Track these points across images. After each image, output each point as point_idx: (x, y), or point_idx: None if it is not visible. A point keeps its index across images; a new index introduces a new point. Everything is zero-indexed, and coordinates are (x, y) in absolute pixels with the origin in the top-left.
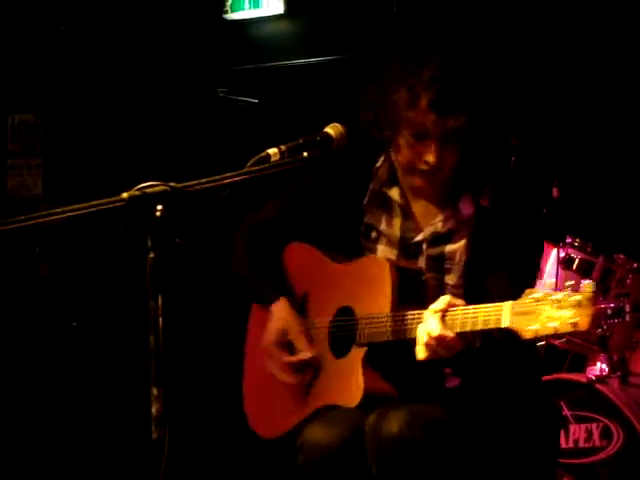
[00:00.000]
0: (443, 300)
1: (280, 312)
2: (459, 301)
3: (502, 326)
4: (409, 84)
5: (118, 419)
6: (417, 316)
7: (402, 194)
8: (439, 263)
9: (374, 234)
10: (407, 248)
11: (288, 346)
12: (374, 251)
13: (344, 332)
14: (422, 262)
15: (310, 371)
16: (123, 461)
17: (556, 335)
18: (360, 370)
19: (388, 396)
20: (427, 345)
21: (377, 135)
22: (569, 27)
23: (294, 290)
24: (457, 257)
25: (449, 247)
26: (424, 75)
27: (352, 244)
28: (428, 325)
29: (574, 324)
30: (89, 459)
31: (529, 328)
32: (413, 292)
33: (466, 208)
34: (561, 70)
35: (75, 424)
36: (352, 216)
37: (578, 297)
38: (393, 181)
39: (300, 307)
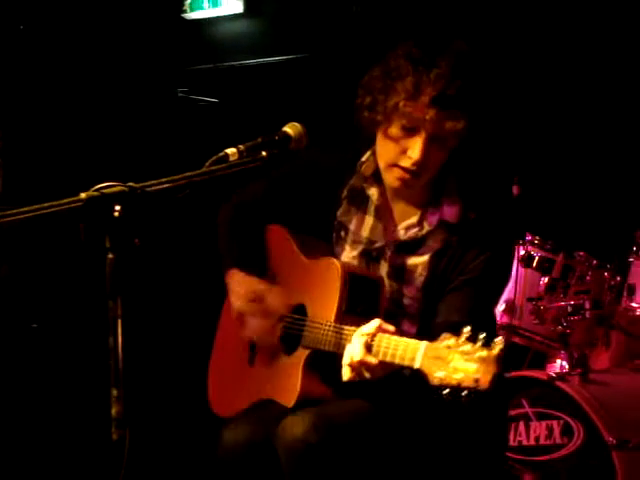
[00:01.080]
0: (374, 324)
1: (238, 277)
2: (390, 327)
3: (415, 367)
4: (417, 76)
5: (78, 420)
6: (353, 333)
7: (382, 194)
8: (400, 272)
9: (343, 233)
10: (370, 252)
11: (265, 310)
12: (342, 249)
13: (294, 330)
14: (384, 268)
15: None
16: (83, 463)
17: (459, 388)
18: (300, 373)
19: (329, 399)
20: (350, 367)
21: (369, 121)
22: (535, 32)
23: (268, 271)
24: (418, 271)
25: (412, 260)
26: (434, 72)
27: (328, 235)
28: (352, 348)
29: (476, 380)
30: (49, 461)
31: (436, 375)
32: (365, 303)
33: (431, 220)
34: (521, 68)
35: (35, 426)
36: (330, 207)
37: (484, 353)
38: (376, 179)
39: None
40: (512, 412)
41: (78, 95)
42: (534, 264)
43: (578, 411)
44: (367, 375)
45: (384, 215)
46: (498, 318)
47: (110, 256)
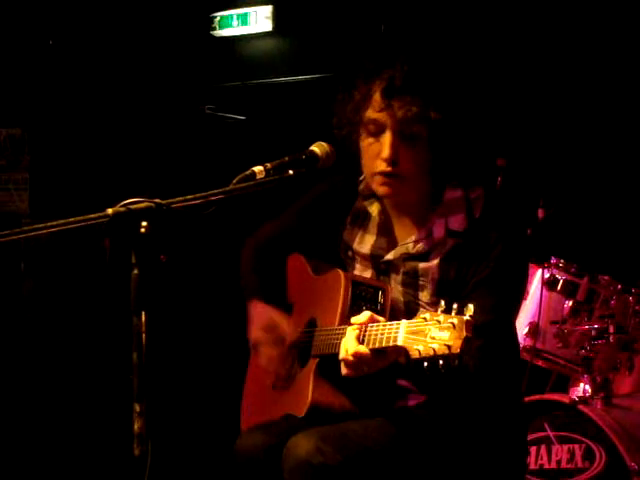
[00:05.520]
0: (364, 315)
1: (260, 308)
2: (381, 318)
3: (398, 344)
4: (367, 81)
5: (100, 435)
6: None
7: (382, 210)
8: (413, 279)
9: (350, 252)
10: (379, 265)
11: (277, 339)
12: (353, 268)
13: (306, 343)
14: (397, 279)
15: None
16: (105, 478)
17: (436, 356)
18: (310, 382)
19: (348, 411)
20: (345, 361)
21: (342, 138)
22: (554, 47)
23: (288, 300)
24: (430, 275)
25: (423, 264)
26: (383, 73)
27: (339, 259)
28: (345, 341)
29: (448, 346)
30: (72, 476)
31: (415, 347)
32: (366, 309)
33: (438, 231)
34: (548, 92)
35: (59, 440)
36: (339, 232)
37: (455, 320)
38: (375, 196)
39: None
40: (534, 435)
41: (106, 111)
42: (558, 287)
43: (600, 435)
44: (364, 368)
45: (387, 231)
46: (522, 341)
47: (135, 272)
